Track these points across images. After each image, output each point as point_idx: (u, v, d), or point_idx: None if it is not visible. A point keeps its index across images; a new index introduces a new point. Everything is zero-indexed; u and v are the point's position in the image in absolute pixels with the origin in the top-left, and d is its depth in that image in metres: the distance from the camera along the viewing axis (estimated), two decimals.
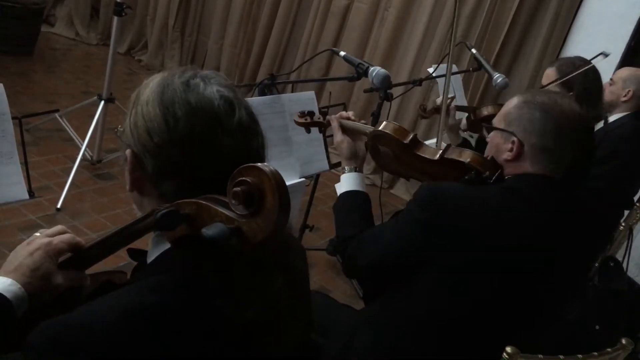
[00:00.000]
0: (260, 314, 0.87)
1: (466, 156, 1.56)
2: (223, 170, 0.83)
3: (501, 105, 2.53)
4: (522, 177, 1.45)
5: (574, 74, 2.28)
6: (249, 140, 0.91)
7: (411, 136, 1.67)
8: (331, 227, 3.37)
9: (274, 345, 0.93)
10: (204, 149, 0.87)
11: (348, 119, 1.83)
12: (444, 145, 1.73)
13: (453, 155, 1.59)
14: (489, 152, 1.55)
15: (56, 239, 0.98)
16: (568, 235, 1.45)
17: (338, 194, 1.75)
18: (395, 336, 1.51)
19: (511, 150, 1.45)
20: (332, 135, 1.86)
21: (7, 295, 0.90)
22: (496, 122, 1.54)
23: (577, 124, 1.46)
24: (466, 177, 1.49)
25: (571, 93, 2.31)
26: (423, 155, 1.64)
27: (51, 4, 5.60)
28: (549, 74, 2.42)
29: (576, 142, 1.45)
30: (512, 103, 1.50)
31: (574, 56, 2.47)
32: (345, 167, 1.76)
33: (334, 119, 1.81)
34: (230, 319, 0.85)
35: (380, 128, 1.70)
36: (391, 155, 1.70)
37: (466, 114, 2.66)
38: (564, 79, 2.30)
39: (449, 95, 2.62)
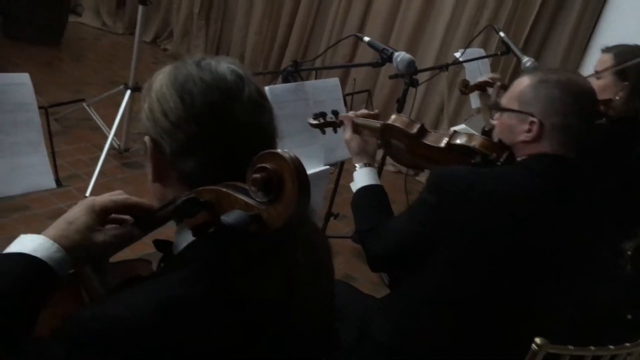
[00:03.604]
0: (281, 292, 0.88)
1: (473, 140, 1.57)
2: (238, 146, 0.84)
3: None
4: (538, 156, 1.43)
5: (632, 62, 2.18)
6: (259, 115, 0.92)
7: (418, 126, 1.70)
8: None
9: (298, 321, 0.93)
10: (220, 123, 0.88)
11: (361, 115, 1.85)
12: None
13: (459, 140, 1.60)
14: (499, 134, 1.53)
15: (103, 196, 0.96)
16: (578, 216, 1.43)
17: (353, 192, 1.75)
18: (409, 321, 1.52)
19: (529, 131, 1.43)
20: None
21: (38, 255, 0.85)
22: (507, 103, 1.51)
23: (592, 98, 1.45)
24: (472, 161, 1.50)
25: (625, 83, 2.21)
26: (430, 143, 1.66)
27: None
28: (605, 59, 2.29)
29: (592, 116, 1.46)
30: (524, 83, 1.47)
31: (634, 44, 2.35)
32: (357, 165, 1.77)
33: (346, 117, 1.84)
34: (253, 299, 0.85)
35: (388, 122, 1.74)
36: (403, 147, 1.74)
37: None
38: (621, 66, 2.19)
39: (495, 76, 2.56)
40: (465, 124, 2.74)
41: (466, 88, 2.60)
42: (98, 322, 0.77)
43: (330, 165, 2.40)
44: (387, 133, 1.75)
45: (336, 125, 1.98)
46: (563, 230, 1.41)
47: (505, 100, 1.52)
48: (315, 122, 2.01)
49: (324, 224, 2.97)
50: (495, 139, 1.54)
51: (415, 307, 1.52)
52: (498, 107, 1.54)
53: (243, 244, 0.83)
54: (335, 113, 1.99)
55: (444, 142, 1.63)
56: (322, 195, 2.43)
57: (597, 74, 2.29)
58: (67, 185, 3.01)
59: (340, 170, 3.03)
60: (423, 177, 4.24)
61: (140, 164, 3.48)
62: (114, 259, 1.04)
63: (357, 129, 1.81)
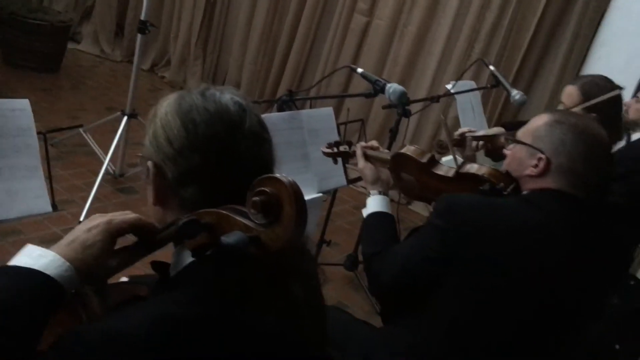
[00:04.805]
0: (281, 320, 0.89)
1: (481, 169, 1.60)
2: (238, 175, 0.86)
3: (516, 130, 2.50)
4: (543, 191, 1.45)
5: (601, 98, 2.24)
6: (260, 146, 0.95)
7: (429, 156, 1.72)
8: (349, 242, 3.40)
9: (296, 350, 0.94)
10: (222, 153, 0.91)
11: (372, 148, 1.88)
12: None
13: (468, 169, 1.63)
14: (508, 165, 1.56)
15: (118, 218, 0.96)
16: (585, 254, 1.43)
17: (364, 217, 1.77)
18: (413, 354, 1.51)
19: (536, 166, 1.45)
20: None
21: (49, 273, 0.85)
22: (522, 136, 1.53)
23: (606, 151, 1.46)
24: (480, 188, 1.51)
25: (593, 115, 2.27)
26: (440, 173, 1.68)
27: (77, 21, 5.75)
28: (572, 92, 2.36)
29: (603, 169, 1.45)
30: (542, 120, 1.49)
31: (597, 75, 2.42)
32: (370, 192, 1.80)
33: (358, 147, 1.87)
34: (252, 326, 0.86)
35: (401, 150, 1.75)
36: (412, 180, 1.75)
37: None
38: (591, 102, 2.24)
39: (468, 129, 2.58)
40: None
41: (442, 148, 2.55)
42: (95, 336, 0.78)
43: (324, 192, 2.43)
44: (397, 164, 1.77)
45: (349, 155, 2.00)
46: (565, 265, 1.40)
47: (521, 133, 1.54)
48: (328, 150, 2.04)
49: (316, 251, 2.99)
50: (503, 171, 1.56)
51: (419, 342, 1.50)
52: (513, 139, 1.56)
53: (242, 267, 0.85)
54: (349, 143, 2.01)
55: (452, 172, 1.65)
56: (315, 223, 2.46)
57: (567, 108, 2.36)
58: (62, 209, 3.02)
59: (333, 198, 3.06)
60: (415, 206, 4.29)
61: (135, 189, 3.51)
62: (110, 282, 1.05)
63: (368, 159, 1.85)
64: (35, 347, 0.83)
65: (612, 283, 1.55)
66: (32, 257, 0.86)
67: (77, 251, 0.90)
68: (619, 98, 2.33)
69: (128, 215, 0.97)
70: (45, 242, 2.88)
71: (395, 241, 1.68)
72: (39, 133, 1.90)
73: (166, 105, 0.96)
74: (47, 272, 0.85)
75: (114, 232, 0.94)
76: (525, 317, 1.42)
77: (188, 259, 0.90)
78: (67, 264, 0.87)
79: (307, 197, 2.14)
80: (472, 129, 2.57)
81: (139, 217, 0.97)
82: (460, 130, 2.56)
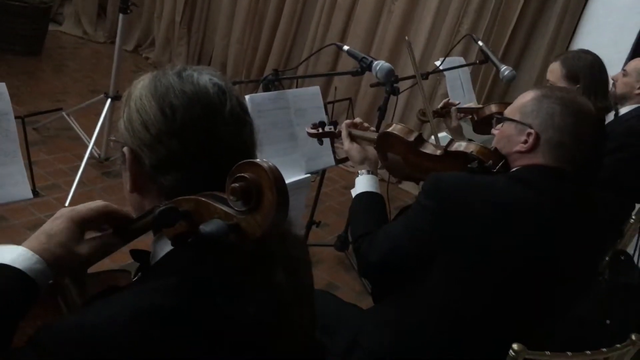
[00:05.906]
0: (263, 309, 0.87)
1: (469, 147, 1.58)
2: (219, 160, 0.83)
3: (505, 103, 2.52)
4: (532, 167, 1.44)
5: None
6: (240, 130, 0.91)
7: (416, 134, 1.70)
8: (339, 223, 3.38)
9: (282, 340, 0.92)
10: (203, 138, 0.87)
11: (356, 125, 1.85)
12: None
13: (456, 147, 1.61)
14: (497, 144, 1.54)
15: (83, 206, 0.94)
16: (577, 229, 1.42)
17: (353, 197, 1.75)
18: (402, 334, 1.50)
19: (525, 142, 1.44)
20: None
21: (18, 266, 0.84)
22: (509, 114, 1.52)
23: (594, 123, 1.45)
24: (469, 166, 1.50)
25: (578, 85, 2.30)
26: (428, 152, 1.66)
27: (58, 2, 5.63)
28: (554, 68, 2.41)
29: (591, 142, 1.44)
30: (528, 96, 1.49)
31: (578, 49, 2.46)
32: (359, 171, 1.78)
33: (343, 127, 1.84)
34: (233, 316, 0.84)
35: (387, 129, 1.72)
36: (399, 159, 1.72)
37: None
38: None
39: (451, 100, 2.58)
40: (447, 132, 2.75)
41: (424, 116, 2.58)
42: (72, 331, 0.76)
43: (312, 173, 2.40)
44: (384, 143, 1.74)
45: (334, 135, 1.97)
46: (555, 241, 1.40)
47: (509, 110, 1.53)
48: (313, 131, 2.00)
49: (305, 232, 2.97)
50: (492, 148, 1.55)
51: (410, 322, 1.50)
52: (500, 117, 1.55)
53: (222, 255, 0.82)
54: (334, 124, 1.98)
55: (440, 150, 1.63)
56: (304, 204, 2.43)
57: (552, 84, 2.39)
58: (45, 195, 2.98)
59: (322, 178, 3.03)
60: (406, 185, 4.27)
61: (120, 173, 3.45)
62: (93, 269, 1.02)
63: (354, 139, 1.82)
64: (9, 341, 0.81)
65: (601, 257, 1.55)
66: (0, 254, 0.84)
67: (42, 242, 0.88)
68: (598, 64, 2.38)
69: (94, 203, 0.95)
70: (31, 228, 2.85)
71: (384, 221, 1.66)
72: (17, 117, 1.85)
73: (141, 88, 0.91)
74: (16, 265, 0.83)
75: (77, 219, 0.91)
76: (515, 295, 1.41)
77: (167, 247, 0.87)
78: (36, 256, 0.85)
79: (294, 179, 2.10)
80: (456, 101, 2.57)
81: (106, 205, 0.95)
82: (444, 101, 2.55)
